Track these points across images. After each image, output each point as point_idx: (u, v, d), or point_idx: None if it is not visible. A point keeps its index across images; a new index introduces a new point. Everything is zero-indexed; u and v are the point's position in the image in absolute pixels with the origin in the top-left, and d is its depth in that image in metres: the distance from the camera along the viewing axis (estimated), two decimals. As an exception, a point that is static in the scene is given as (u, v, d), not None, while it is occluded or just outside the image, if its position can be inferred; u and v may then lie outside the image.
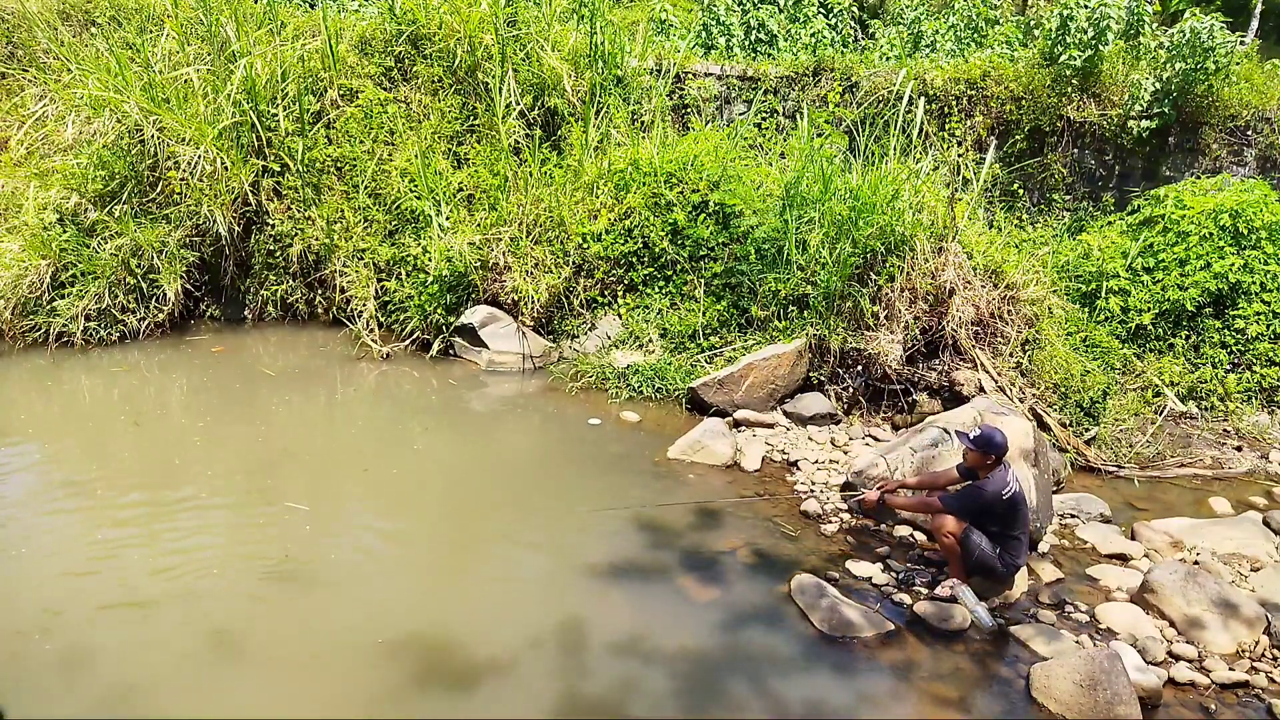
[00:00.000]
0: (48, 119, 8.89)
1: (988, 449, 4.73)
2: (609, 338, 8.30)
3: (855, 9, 12.94)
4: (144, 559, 4.91)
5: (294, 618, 4.48)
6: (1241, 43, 9.42)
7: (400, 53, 9.69)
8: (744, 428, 7.12)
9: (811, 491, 6.14)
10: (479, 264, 8.33)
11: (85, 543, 5.05)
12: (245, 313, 9.20)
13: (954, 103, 9.71)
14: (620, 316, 8.42)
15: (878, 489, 5.13)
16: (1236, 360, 7.95)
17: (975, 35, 11.69)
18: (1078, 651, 4.30)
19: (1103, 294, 8.26)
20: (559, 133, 9.49)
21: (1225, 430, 7.55)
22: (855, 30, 12.81)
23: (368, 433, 6.95)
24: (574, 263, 8.46)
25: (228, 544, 5.15)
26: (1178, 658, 4.52)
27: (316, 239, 8.83)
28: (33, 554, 4.91)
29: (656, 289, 8.45)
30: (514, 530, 5.54)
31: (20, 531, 5.12)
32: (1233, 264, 7.88)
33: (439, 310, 8.40)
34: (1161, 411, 7.52)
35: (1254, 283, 7.88)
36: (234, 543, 5.16)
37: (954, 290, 7.10)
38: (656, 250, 8.38)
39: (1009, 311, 7.22)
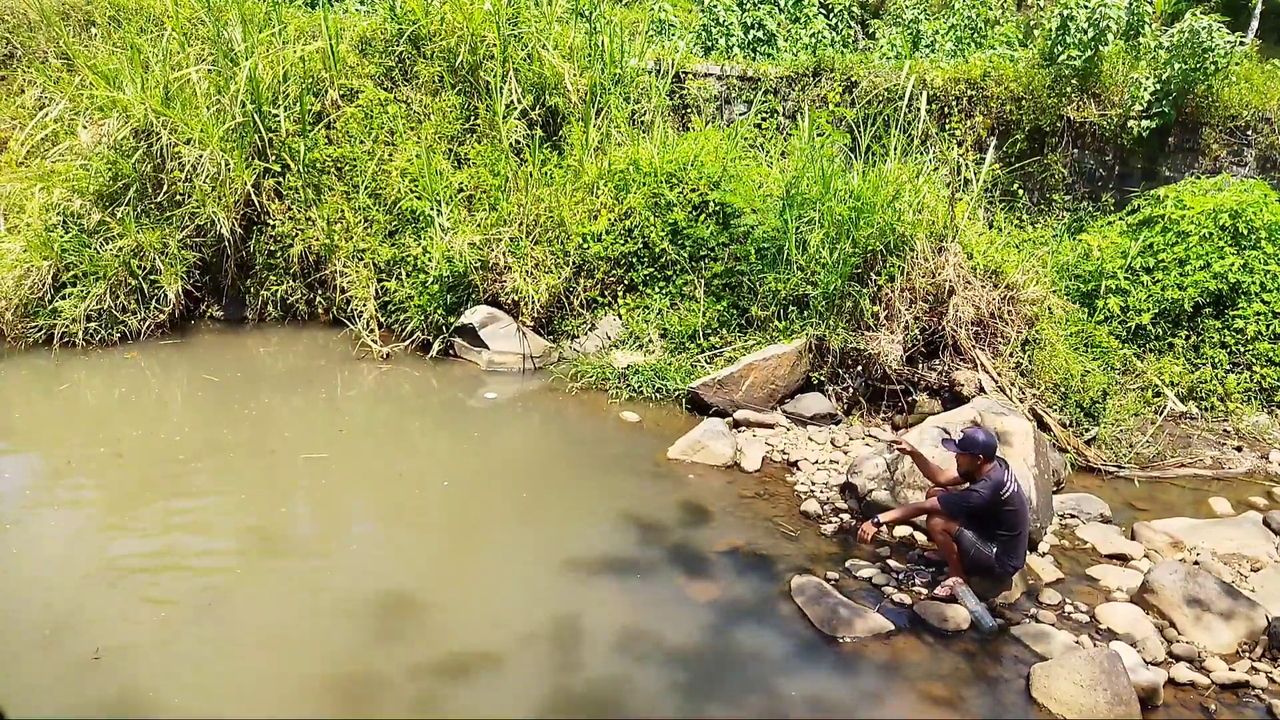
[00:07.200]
0: (49, 120, 8.88)
1: (973, 450, 4.74)
2: (609, 338, 8.30)
3: (856, 9, 12.93)
4: (139, 558, 4.94)
5: (290, 612, 4.50)
6: (1241, 43, 9.39)
7: (401, 52, 9.69)
8: (744, 428, 7.12)
9: (811, 492, 6.15)
10: (479, 264, 8.33)
11: (82, 544, 5.06)
12: (246, 313, 9.20)
13: (954, 103, 9.71)
14: (620, 317, 8.42)
15: (873, 521, 5.01)
16: (1236, 360, 7.95)
17: (975, 36, 11.69)
18: (1078, 652, 4.31)
19: (1102, 294, 8.26)
20: (559, 133, 9.48)
21: (1225, 430, 7.55)
22: (856, 30, 12.80)
23: (367, 433, 6.95)
24: (574, 263, 8.46)
25: (221, 539, 5.17)
26: (1178, 658, 4.53)
27: (317, 239, 8.83)
28: (28, 554, 4.92)
29: (657, 289, 8.45)
30: (513, 530, 5.55)
31: (16, 531, 5.14)
32: (1232, 264, 7.88)
33: (439, 310, 8.41)
34: (1161, 412, 7.51)
35: (1254, 283, 7.88)
36: (228, 540, 5.17)
37: (954, 290, 7.11)
38: (657, 250, 8.38)
39: (1009, 311, 7.22)
